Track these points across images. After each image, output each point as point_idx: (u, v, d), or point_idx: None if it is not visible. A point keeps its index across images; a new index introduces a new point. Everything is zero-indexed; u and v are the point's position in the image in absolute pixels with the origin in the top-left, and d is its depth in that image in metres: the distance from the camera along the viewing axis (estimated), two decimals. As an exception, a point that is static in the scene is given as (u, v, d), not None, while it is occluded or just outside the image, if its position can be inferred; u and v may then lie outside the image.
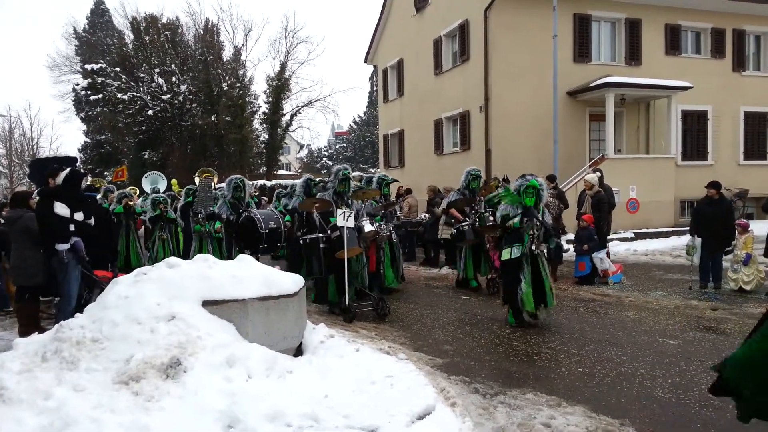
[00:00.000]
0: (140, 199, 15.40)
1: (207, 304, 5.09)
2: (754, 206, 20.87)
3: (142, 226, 13.55)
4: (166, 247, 12.23)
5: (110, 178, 27.40)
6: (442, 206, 12.12)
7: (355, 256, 8.69)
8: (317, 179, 11.34)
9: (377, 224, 9.51)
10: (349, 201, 9.15)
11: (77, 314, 5.05)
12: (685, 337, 6.97)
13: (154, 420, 3.88)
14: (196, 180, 18.81)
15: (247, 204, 10.53)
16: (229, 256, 9.51)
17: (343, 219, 8.06)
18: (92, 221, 7.32)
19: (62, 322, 4.86)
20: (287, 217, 10.99)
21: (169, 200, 12.63)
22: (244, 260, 6.08)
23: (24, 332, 6.61)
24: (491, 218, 9.73)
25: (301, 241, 8.91)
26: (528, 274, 7.58)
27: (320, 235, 8.58)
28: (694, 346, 6.61)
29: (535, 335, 7.25)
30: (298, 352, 5.76)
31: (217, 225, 10.24)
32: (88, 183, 14.20)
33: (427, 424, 4.28)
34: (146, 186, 17.54)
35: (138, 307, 4.83)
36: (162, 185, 17.76)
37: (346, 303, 8.20)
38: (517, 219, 7.63)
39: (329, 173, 8.85)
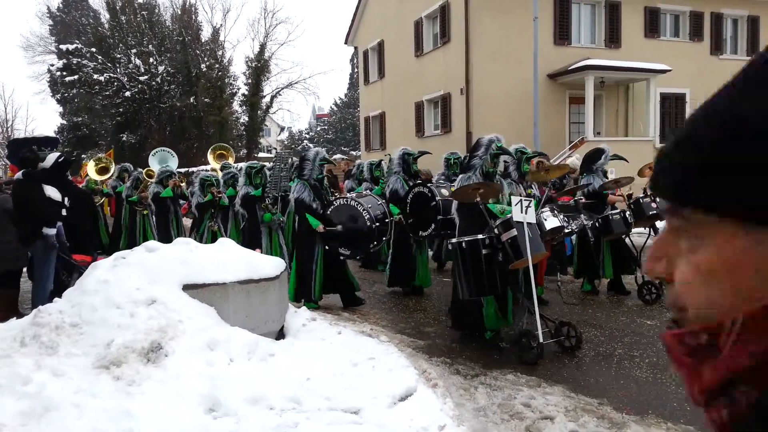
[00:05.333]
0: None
1: (187, 287, 5.07)
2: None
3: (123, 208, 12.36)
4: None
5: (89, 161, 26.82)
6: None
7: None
8: (416, 152, 9.21)
9: (562, 216, 6.64)
10: (500, 183, 6.40)
11: (55, 299, 5.01)
12: (662, 317, 7.08)
13: (136, 404, 3.87)
14: (210, 160, 17.70)
15: (327, 188, 8.16)
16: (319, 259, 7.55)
17: (521, 211, 5.51)
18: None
19: (40, 306, 4.81)
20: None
21: (221, 182, 10.30)
22: (225, 243, 6.05)
23: (2, 317, 6.54)
24: (654, 204, 7.88)
25: (450, 246, 6.13)
26: None
27: (480, 236, 5.70)
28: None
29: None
30: (280, 335, 5.76)
31: (316, 225, 7.38)
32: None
33: (408, 405, 4.32)
34: (154, 165, 15.68)
35: (117, 292, 4.79)
36: (173, 163, 15.87)
37: (540, 337, 5.41)
38: None
39: (478, 145, 6.36)
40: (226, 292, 5.24)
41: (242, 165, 10.84)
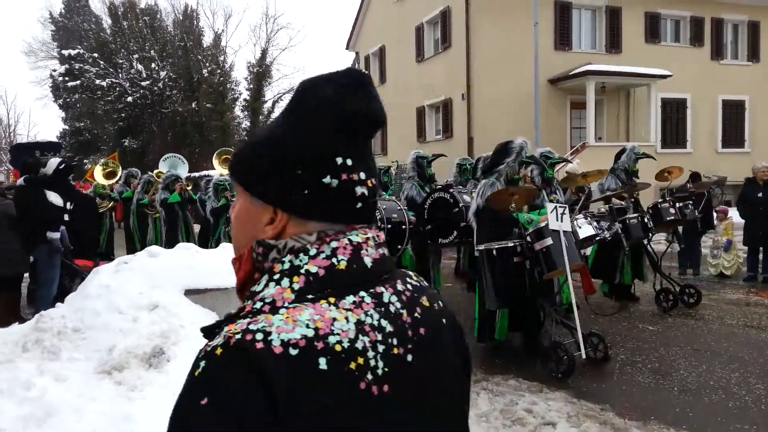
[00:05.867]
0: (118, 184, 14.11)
1: (189, 292, 5.07)
2: (731, 193, 21.18)
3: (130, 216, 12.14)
4: None
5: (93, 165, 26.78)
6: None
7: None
8: (430, 155, 8.59)
9: (595, 224, 6.45)
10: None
11: (58, 303, 5.01)
12: (664, 323, 7.07)
13: (138, 409, 3.86)
14: (216, 165, 17.54)
15: None
16: None
17: (557, 219, 5.24)
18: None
19: (43, 311, 4.81)
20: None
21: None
22: (227, 248, 6.05)
23: (4, 322, 6.54)
24: (672, 210, 7.60)
25: (477, 253, 5.65)
26: None
27: (511, 243, 5.39)
28: (672, 331, 6.71)
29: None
30: (282, 340, 5.75)
31: None
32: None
33: (410, 410, 4.31)
34: (164, 170, 15.01)
35: (120, 297, 4.79)
36: (183, 170, 16.02)
37: (582, 352, 5.18)
38: None
39: (509, 150, 5.97)
40: (228, 296, 5.24)
41: None
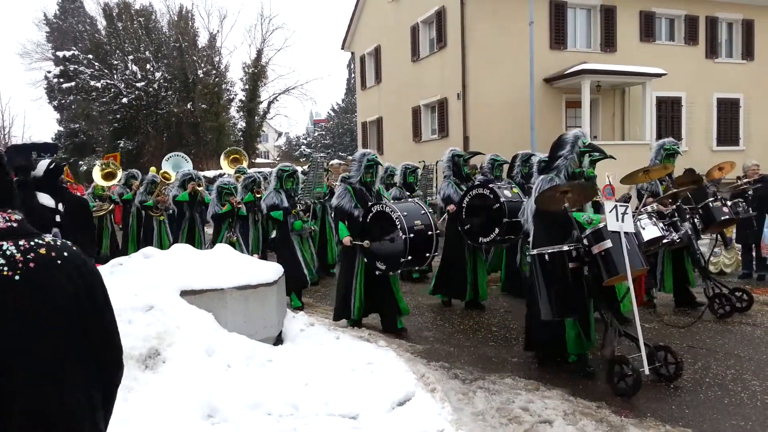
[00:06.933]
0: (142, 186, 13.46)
1: (185, 294, 5.05)
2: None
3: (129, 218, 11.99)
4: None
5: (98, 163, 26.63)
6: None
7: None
8: (466, 153, 8.10)
9: (661, 225, 5.97)
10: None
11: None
12: (659, 321, 7.08)
13: (133, 411, 3.85)
14: (224, 165, 17.28)
15: (378, 193, 7.12)
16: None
17: (617, 219, 4.77)
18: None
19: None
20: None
21: (239, 189, 9.60)
22: (222, 249, 6.04)
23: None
24: (726, 209, 7.01)
25: (529, 257, 5.20)
26: None
27: (567, 246, 4.91)
28: (668, 329, 6.72)
29: (513, 320, 7.31)
30: (278, 340, 5.75)
31: (344, 235, 6.74)
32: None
33: (407, 410, 4.31)
34: (167, 169, 14.40)
35: (115, 298, 4.73)
36: (187, 169, 15.74)
37: (646, 368, 4.69)
38: None
39: (563, 142, 5.56)
40: (224, 297, 5.23)
41: (270, 170, 10.44)
